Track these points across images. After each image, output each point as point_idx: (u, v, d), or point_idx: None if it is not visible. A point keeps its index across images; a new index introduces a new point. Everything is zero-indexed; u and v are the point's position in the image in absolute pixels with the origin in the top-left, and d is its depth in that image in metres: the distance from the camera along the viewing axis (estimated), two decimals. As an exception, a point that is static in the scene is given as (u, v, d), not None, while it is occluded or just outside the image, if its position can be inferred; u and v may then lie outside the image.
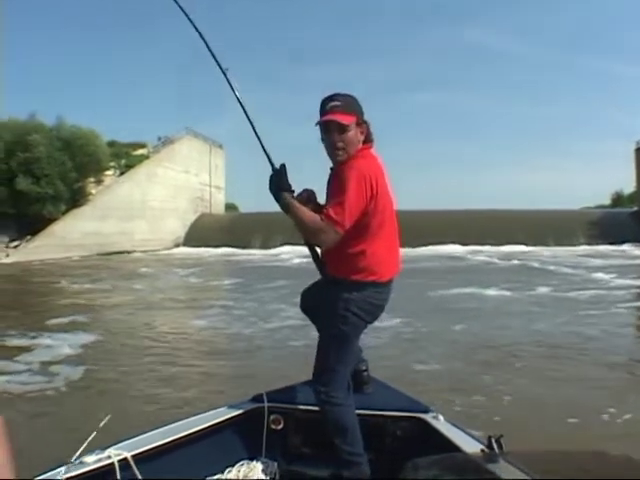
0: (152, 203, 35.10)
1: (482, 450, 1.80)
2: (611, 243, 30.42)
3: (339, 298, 2.31)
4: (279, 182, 2.27)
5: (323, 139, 2.31)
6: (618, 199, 52.45)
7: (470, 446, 2.13)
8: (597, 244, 30.76)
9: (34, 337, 8.12)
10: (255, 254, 28.12)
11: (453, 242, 31.17)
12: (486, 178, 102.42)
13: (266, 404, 2.59)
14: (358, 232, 2.25)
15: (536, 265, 20.75)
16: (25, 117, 29.00)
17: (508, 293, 12.62)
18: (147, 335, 8.37)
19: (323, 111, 2.29)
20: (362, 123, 2.32)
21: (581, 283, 14.57)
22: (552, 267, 19.56)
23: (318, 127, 2.32)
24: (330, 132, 2.27)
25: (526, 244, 30.65)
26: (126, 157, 34.34)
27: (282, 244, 29.30)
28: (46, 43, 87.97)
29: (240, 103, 2.40)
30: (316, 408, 2.42)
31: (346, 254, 2.29)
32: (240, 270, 19.29)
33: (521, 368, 6.17)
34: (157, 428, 2.35)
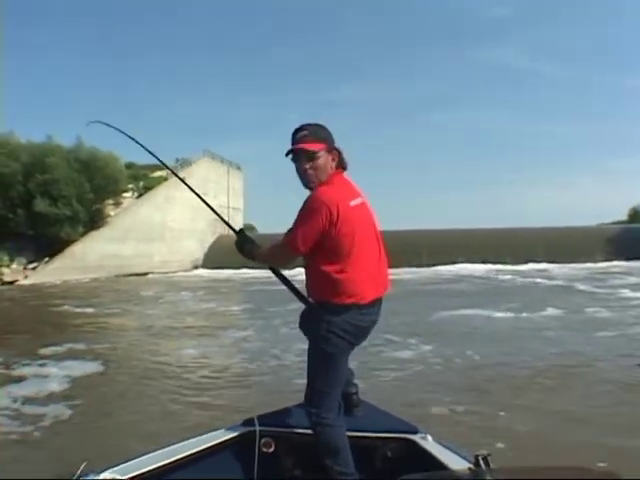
0: (171, 225, 34.98)
1: (469, 468, 1.76)
2: (629, 259, 29.53)
3: (322, 320, 2.39)
4: (241, 242, 2.59)
5: (296, 167, 2.46)
6: (635, 215, 51.21)
7: (458, 465, 2.18)
8: (615, 259, 30.11)
9: (26, 365, 7.73)
10: (273, 276, 27.07)
11: (471, 261, 30.57)
12: (500, 196, 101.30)
13: (257, 428, 2.61)
14: (330, 256, 2.37)
15: (561, 283, 20.09)
16: (42, 139, 29.13)
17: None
18: (151, 367, 7.84)
19: (293, 141, 2.44)
20: (332, 149, 2.45)
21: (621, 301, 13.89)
22: (582, 286, 18.72)
23: (290, 157, 2.46)
24: (300, 160, 2.43)
25: (545, 261, 29.99)
26: (144, 179, 34.30)
27: (301, 265, 28.43)
28: (63, 66, 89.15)
29: (196, 194, 3.02)
30: (307, 431, 2.48)
31: (324, 278, 2.39)
32: (257, 292, 18.68)
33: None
34: (149, 452, 2.39)
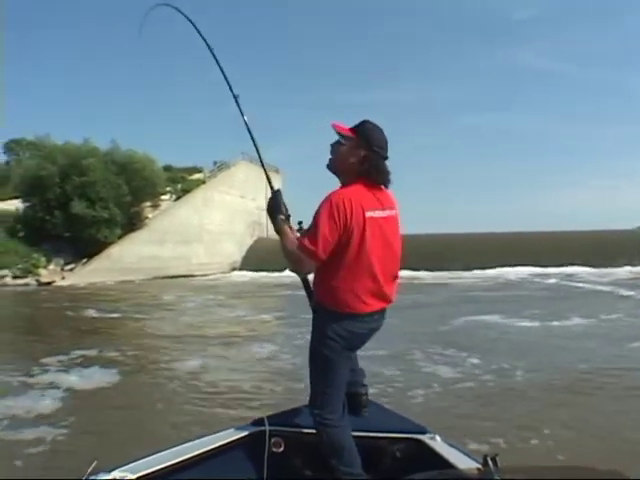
0: (209, 227, 34.88)
1: (478, 469, 1.83)
2: None
3: (319, 324, 2.41)
4: (275, 205, 2.47)
5: None
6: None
7: (467, 465, 2.18)
8: None
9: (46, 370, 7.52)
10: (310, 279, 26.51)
11: (506, 265, 29.66)
12: (534, 199, 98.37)
13: (267, 427, 2.62)
14: (336, 262, 2.31)
15: (606, 289, 19.13)
16: (80, 141, 29.46)
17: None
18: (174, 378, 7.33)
19: None
20: (364, 148, 2.33)
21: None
22: (626, 292, 17.73)
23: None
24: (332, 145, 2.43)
25: (583, 265, 28.94)
26: (182, 182, 34.39)
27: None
28: (98, 70, 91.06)
29: (248, 128, 2.70)
30: (315, 431, 2.46)
31: (326, 283, 2.37)
32: (294, 297, 18.00)
33: None
34: (160, 451, 2.37)
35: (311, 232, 2.27)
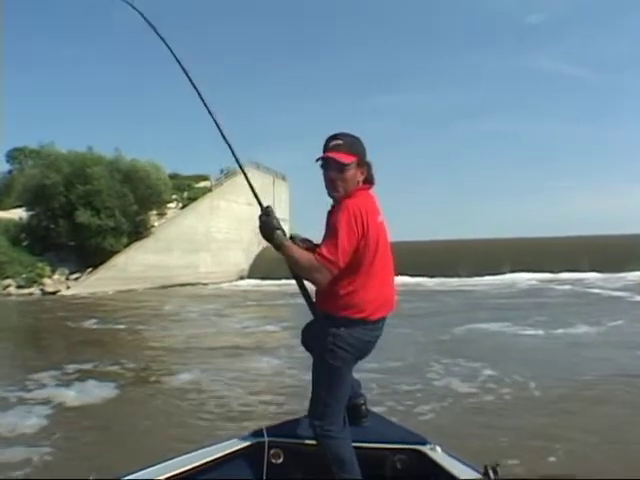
0: (216, 235, 34.60)
1: (479, 479, 1.86)
2: None
3: (328, 333, 2.37)
4: (271, 222, 2.33)
5: (323, 174, 2.43)
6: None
7: (468, 476, 2.22)
8: None
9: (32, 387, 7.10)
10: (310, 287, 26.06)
11: (516, 271, 29.37)
12: (542, 204, 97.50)
13: (266, 439, 2.59)
14: (349, 270, 2.30)
15: (621, 294, 18.76)
16: (84, 149, 29.26)
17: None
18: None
19: (325, 148, 2.41)
20: (363, 164, 2.42)
21: None
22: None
23: (320, 163, 2.43)
24: (329, 169, 2.40)
25: (591, 271, 28.59)
26: (188, 189, 34.13)
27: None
28: (104, 77, 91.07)
29: (232, 152, 2.62)
30: (314, 442, 2.44)
31: (337, 291, 2.35)
32: (303, 306, 17.47)
33: None
34: (158, 463, 2.36)
35: (330, 242, 2.25)
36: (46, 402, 6.45)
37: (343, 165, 2.34)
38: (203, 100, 2.58)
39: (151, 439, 5.20)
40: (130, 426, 5.66)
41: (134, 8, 2.82)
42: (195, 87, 2.61)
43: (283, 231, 2.35)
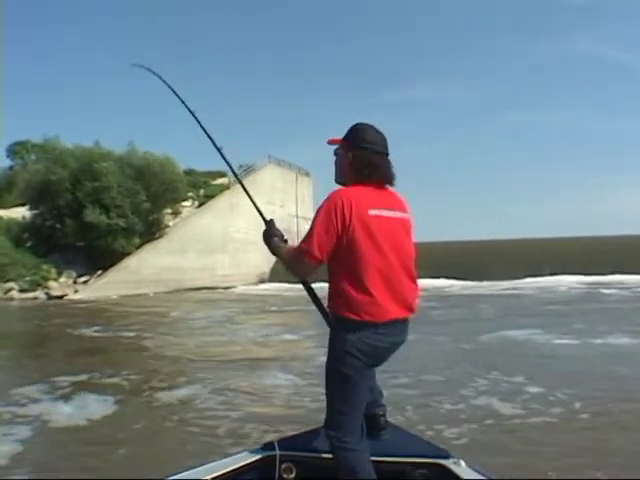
0: (234, 236, 32.82)
1: None
2: None
3: (337, 337, 2.33)
4: (270, 232, 2.47)
5: None
6: None
7: None
8: None
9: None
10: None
11: (558, 273, 27.53)
12: (584, 202, 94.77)
13: (278, 452, 2.50)
14: (347, 267, 2.28)
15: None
16: (91, 144, 27.66)
17: None
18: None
19: None
20: (350, 150, 2.37)
21: None
22: None
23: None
24: None
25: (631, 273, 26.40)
26: (205, 187, 32.39)
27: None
28: (114, 72, 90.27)
29: (239, 180, 3.21)
30: (328, 456, 2.38)
31: (341, 291, 2.31)
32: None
33: None
34: (167, 477, 2.31)
35: (307, 233, 2.29)
36: (33, 420, 5.93)
37: (336, 148, 2.43)
38: (195, 117, 2.90)
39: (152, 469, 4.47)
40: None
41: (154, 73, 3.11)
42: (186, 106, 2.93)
43: (282, 238, 2.45)
